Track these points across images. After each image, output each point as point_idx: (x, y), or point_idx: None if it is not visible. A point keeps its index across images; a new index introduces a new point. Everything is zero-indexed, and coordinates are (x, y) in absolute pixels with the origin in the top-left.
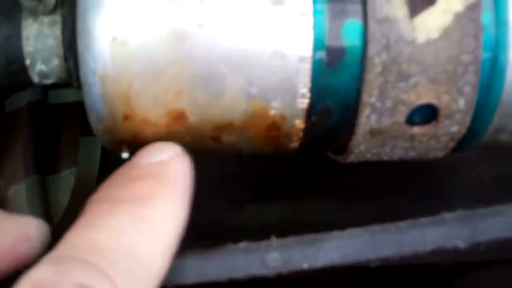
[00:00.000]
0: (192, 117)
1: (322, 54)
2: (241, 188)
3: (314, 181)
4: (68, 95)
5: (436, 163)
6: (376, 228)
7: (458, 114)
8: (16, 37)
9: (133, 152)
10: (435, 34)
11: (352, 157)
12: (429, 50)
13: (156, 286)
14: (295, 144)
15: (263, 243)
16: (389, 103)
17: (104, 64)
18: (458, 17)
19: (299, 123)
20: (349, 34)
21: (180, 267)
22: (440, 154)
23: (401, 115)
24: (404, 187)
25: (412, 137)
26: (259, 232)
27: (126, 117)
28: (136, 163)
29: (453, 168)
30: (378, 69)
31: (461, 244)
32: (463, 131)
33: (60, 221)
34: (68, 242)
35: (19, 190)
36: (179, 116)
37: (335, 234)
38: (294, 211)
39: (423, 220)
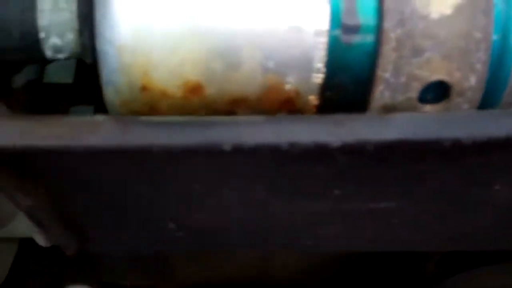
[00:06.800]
0: (208, 90)
1: (338, 28)
2: None
3: None
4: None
5: None
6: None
7: (469, 91)
8: (31, 9)
9: None
10: (448, 10)
11: None
12: (442, 26)
13: None
14: None
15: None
16: (403, 79)
17: (123, 34)
18: None
19: (313, 99)
20: (364, 9)
21: None
22: None
23: (414, 91)
24: None
25: None
26: None
27: (144, 88)
28: None
29: None
30: (392, 44)
31: None
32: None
33: None
34: None
35: None
36: (196, 88)
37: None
38: None
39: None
